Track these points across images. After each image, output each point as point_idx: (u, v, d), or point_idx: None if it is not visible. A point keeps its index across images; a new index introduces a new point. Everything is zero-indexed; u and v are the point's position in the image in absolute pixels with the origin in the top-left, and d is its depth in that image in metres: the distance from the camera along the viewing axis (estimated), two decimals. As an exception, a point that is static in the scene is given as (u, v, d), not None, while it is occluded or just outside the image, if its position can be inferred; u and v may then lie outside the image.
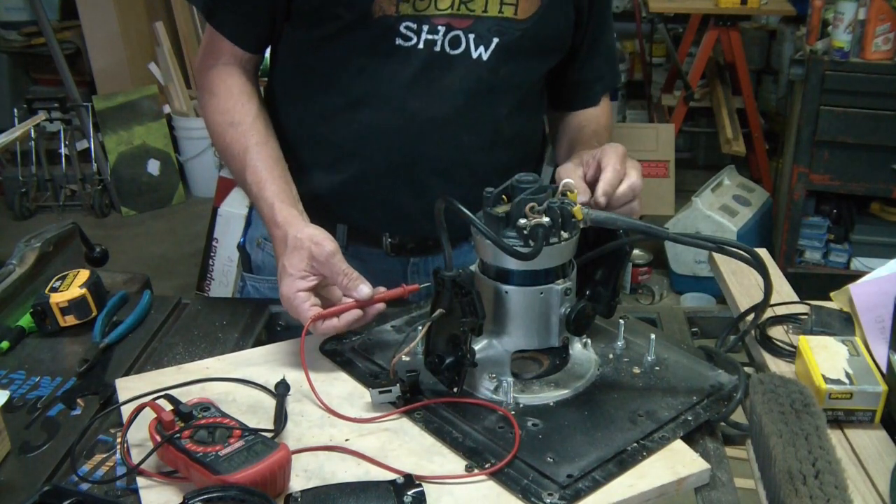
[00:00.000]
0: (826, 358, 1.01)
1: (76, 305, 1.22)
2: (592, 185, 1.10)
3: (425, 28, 1.19)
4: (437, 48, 1.20)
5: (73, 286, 1.23)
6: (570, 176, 1.10)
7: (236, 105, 1.26)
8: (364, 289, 1.09)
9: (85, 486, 0.91)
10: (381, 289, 1.12)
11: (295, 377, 1.06)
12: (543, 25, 1.25)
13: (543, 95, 1.41)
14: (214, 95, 1.27)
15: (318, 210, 1.27)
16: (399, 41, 1.20)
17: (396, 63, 1.21)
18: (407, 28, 1.19)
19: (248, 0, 1.25)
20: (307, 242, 1.10)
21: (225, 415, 0.93)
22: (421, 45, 1.20)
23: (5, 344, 1.18)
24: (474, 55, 1.22)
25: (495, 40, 1.22)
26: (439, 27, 1.19)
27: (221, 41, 1.28)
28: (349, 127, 1.27)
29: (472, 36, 1.21)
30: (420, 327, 1.01)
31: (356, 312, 1.09)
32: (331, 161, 1.31)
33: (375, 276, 1.35)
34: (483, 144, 1.29)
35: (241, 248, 1.50)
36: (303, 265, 1.09)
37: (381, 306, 1.12)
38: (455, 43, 1.21)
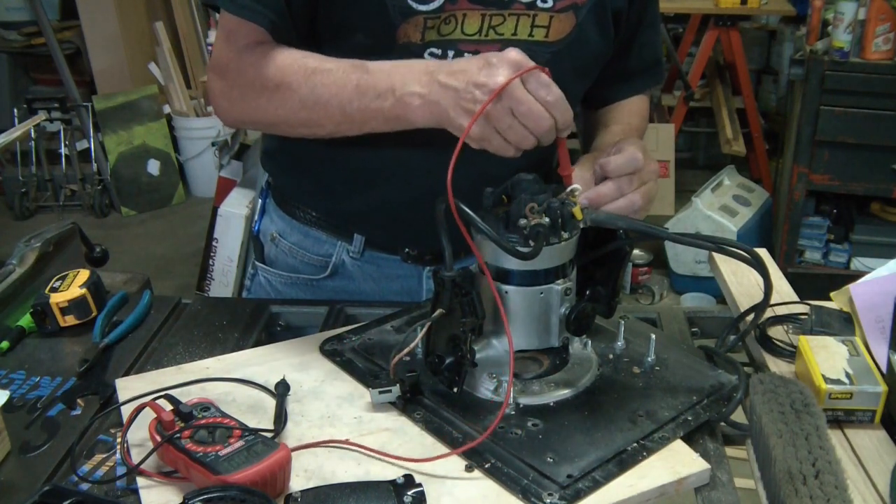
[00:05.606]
0: (826, 358, 1.01)
1: (76, 305, 1.22)
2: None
3: (451, 54, 1.13)
4: None
5: (73, 286, 1.23)
6: (580, 175, 1.06)
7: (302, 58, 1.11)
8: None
9: (85, 486, 0.91)
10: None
11: (295, 377, 1.06)
12: (578, 46, 1.18)
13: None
14: (267, 60, 1.12)
15: (335, 224, 1.26)
16: None
17: None
18: (431, 55, 1.13)
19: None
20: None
21: (225, 415, 0.93)
22: None
23: (5, 344, 1.18)
24: None
25: None
26: (466, 53, 1.12)
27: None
28: (373, 154, 1.22)
29: None
30: (420, 327, 1.01)
31: None
32: (353, 186, 1.27)
33: (390, 280, 1.35)
34: (510, 171, 1.25)
35: (255, 236, 1.47)
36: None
37: None
38: None
